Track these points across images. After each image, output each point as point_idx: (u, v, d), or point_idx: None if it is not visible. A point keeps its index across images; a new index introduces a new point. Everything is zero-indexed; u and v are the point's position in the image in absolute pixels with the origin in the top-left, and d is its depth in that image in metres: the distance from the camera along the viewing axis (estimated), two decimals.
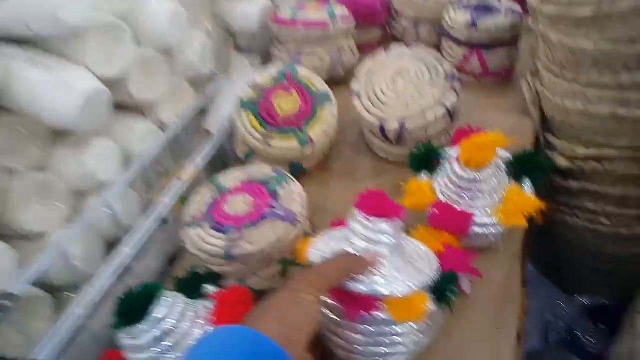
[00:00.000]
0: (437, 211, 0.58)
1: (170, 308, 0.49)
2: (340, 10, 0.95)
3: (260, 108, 0.75)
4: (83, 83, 0.62)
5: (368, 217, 0.46)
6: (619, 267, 0.79)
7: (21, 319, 0.59)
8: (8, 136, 0.62)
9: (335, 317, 0.47)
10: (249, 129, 0.74)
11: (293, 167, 0.77)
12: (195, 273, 0.60)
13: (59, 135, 0.69)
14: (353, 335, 0.46)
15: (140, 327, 0.48)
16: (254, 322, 0.38)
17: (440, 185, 0.62)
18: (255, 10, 0.97)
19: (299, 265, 0.57)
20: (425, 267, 0.48)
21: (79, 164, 0.67)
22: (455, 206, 0.59)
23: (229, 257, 0.58)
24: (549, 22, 0.69)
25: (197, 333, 0.49)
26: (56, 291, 0.67)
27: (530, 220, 0.57)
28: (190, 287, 0.57)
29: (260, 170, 0.69)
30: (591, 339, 0.95)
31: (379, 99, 0.76)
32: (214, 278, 0.60)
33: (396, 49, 0.80)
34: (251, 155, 0.78)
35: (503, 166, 0.61)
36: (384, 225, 0.46)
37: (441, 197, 0.61)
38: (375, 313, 0.44)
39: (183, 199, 0.72)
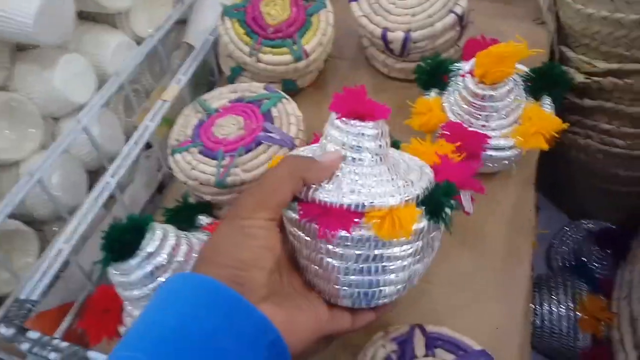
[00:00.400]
0: (447, 132, 0.54)
1: (162, 241, 0.45)
2: None
3: (247, 16, 0.67)
4: None
5: (346, 120, 0.37)
6: (629, 189, 0.77)
7: (6, 255, 0.56)
8: None
9: (308, 239, 0.37)
10: (235, 40, 0.66)
11: (286, 84, 0.70)
12: (187, 203, 0.56)
13: (22, 51, 0.61)
14: (332, 261, 0.36)
15: (131, 262, 0.45)
16: (197, 266, 0.33)
17: (451, 104, 0.57)
18: None
19: None
20: (416, 178, 0.39)
21: (45, 82, 0.60)
22: (468, 126, 0.54)
23: (221, 185, 0.54)
24: None
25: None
26: (40, 224, 0.64)
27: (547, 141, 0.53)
28: (183, 218, 0.54)
29: (250, 88, 0.63)
30: (597, 264, 0.93)
31: (380, 5, 0.68)
32: (208, 208, 0.56)
33: None
34: (238, 71, 0.71)
35: (520, 82, 0.56)
36: (364, 127, 0.37)
37: (451, 116, 0.56)
38: (355, 232, 0.35)
39: (168, 122, 0.66)
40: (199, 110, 0.61)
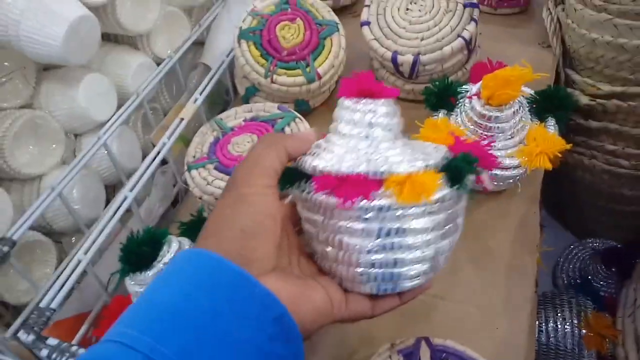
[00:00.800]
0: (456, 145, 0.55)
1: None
2: None
3: (262, 39, 0.69)
4: (68, 9, 0.56)
5: (356, 100, 0.36)
6: (634, 209, 0.78)
7: (26, 266, 0.58)
8: None
9: (324, 220, 0.34)
10: (251, 62, 0.69)
11: (298, 104, 0.72)
12: (201, 217, 0.58)
13: (47, 70, 0.64)
14: (351, 240, 0.34)
15: (148, 273, 0.46)
16: (200, 242, 0.32)
17: (458, 124, 0.59)
18: None
19: None
20: (432, 151, 0.36)
21: (69, 100, 0.62)
22: None
23: None
24: None
25: None
26: (58, 236, 0.66)
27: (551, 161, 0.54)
28: (197, 231, 0.55)
29: (265, 108, 0.65)
30: (603, 282, 0.94)
31: (390, 29, 0.71)
32: None
33: None
34: (253, 91, 0.73)
35: (526, 104, 0.57)
36: (376, 105, 0.36)
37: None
38: (375, 200, 0.32)
39: (183, 139, 0.68)
40: (216, 128, 0.63)
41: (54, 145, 0.63)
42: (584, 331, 0.78)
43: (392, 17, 0.71)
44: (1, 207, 0.55)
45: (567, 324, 0.79)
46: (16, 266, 0.53)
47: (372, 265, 0.34)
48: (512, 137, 0.56)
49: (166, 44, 0.77)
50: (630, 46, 0.63)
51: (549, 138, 0.54)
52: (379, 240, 0.33)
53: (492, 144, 0.54)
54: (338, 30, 0.71)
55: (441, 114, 0.61)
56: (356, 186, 0.33)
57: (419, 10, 0.70)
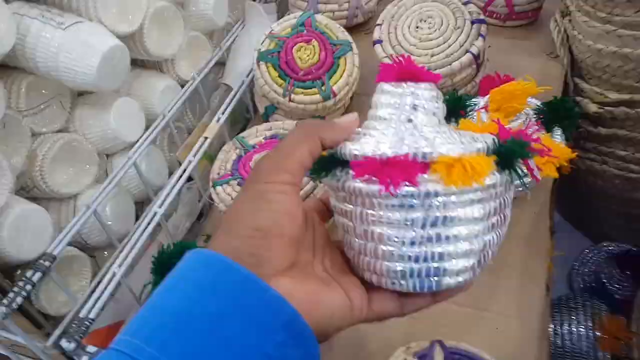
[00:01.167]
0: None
1: None
2: None
3: (280, 60, 0.73)
4: (100, 40, 0.61)
5: (397, 83, 0.34)
6: None
7: (63, 278, 0.61)
8: (32, 98, 0.62)
9: (362, 211, 0.31)
10: (269, 82, 0.73)
11: None
12: None
13: (81, 96, 0.69)
14: (393, 232, 0.30)
15: None
16: (214, 238, 0.30)
17: None
18: None
19: None
20: (479, 136, 0.33)
21: (102, 123, 0.67)
22: None
23: None
24: None
25: None
26: (92, 250, 0.70)
27: (558, 168, 0.56)
28: None
29: (284, 125, 0.68)
30: (617, 286, 0.95)
31: (402, 46, 0.74)
32: None
33: None
34: (272, 109, 0.77)
35: (533, 115, 0.60)
36: (418, 87, 0.33)
37: None
38: (421, 185, 0.29)
39: (207, 156, 0.72)
40: (238, 146, 0.67)
41: (87, 166, 0.68)
42: (598, 334, 0.79)
43: (403, 35, 0.74)
44: (42, 224, 0.59)
45: (582, 327, 0.80)
46: (57, 279, 0.57)
47: (416, 259, 0.31)
48: None
49: (189, 66, 0.82)
50: (635, 55, 0.65)
51: (555, 147, 0.56)
52: (423, 230, 0.30)
53: None
54: (351, 49, 0.75)
55: None
56: (399, 169, 0.29)
57: (429, 28, 0.73)
